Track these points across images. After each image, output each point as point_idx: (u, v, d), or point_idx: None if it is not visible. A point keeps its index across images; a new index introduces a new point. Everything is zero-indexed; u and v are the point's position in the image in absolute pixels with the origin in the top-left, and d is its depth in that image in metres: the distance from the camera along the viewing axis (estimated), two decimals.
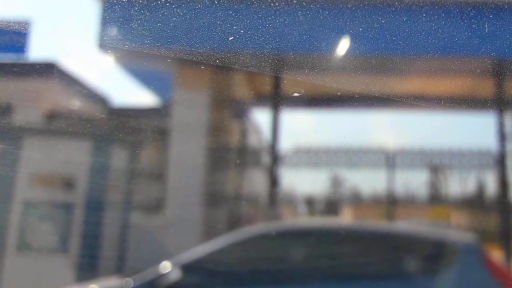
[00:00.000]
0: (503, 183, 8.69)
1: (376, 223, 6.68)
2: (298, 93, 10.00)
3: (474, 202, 9.27)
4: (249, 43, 7.83)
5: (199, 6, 7.70)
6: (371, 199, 9.06)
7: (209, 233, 8.50)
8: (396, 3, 7.75)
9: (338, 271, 4.00)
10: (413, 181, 9.14)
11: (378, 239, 4.26)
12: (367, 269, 4.10)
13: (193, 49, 7.96)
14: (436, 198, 9.68)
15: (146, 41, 7.80)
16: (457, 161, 8.99)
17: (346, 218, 15.65)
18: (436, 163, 9.16)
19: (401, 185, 9.16)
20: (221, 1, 7.58)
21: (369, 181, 9.19)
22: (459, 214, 11.15)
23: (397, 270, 3.96)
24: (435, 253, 4.00)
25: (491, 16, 7.79)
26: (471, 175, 9.08)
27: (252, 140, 17.73)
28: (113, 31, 7.85)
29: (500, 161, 8.70)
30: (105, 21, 7.89)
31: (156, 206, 8.84)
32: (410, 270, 3.95)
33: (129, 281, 4.16)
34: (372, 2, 7.81)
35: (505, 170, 8.72)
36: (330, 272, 3.95)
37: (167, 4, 7.62)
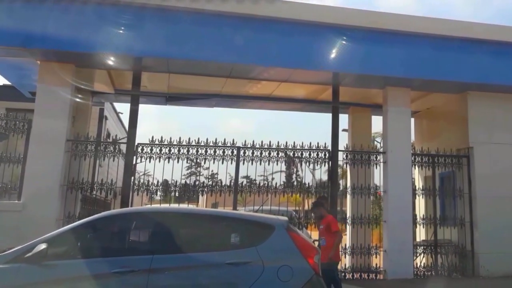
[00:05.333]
0: (331, 174, 11.30)
1: (214, 209, 8.58)
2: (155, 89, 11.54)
3: (321, 190, 11.72)
4: (112, 46, 9.35)
5: (63, 9, 8.99)
6: (227, 189, 10.95)
7: (66, 218, 9.78)
8: (256, 22, 9.78)
9: (177, 246, 5.74)
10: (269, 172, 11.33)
11: (215, 220, 6.14)
12: (204, 243, 5.96)
13: (56, 49, 9.22)
14: (289, 187, 11.97)
15: (10, 40, 8.85)
16: (306, 155, 11.37)
17: (202, 205, 17.57)
18: (288, 156, 11.43)
19: (259, 175, 11.28)
20: (81, 5, 8.93)
21: (226, 172, 11.17)
22: (309, 200, 13.76)
23: (230, 243, 5.87)
24: (258, 230, 5.99)
25: (331, 37, 10.27)
26: (319, 167, 11.53)
27: (112, 131, 18.76)
28: None
29: (334, 155, 11.29)
30: None
31: (13, 192, 9.80)
32: (240, 242, 5.87)
33: None
34: (236, 18, 9.76)
35: (335, 163, 11.34)
36: (170, 246, 5.66)
37: (33, 7, 8.77)
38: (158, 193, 10.75)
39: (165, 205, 10.18)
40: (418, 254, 11.73)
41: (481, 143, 12.02)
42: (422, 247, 11.93)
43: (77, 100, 10.28)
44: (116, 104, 24.68)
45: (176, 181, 10.75)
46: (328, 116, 11.79)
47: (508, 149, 11.96)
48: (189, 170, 45.59)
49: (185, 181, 11.18)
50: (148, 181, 10.72)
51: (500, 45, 11.49)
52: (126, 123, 21.76)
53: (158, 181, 10.62)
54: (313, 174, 12.03)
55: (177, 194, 10.90)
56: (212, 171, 11.77)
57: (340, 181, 12.92)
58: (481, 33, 11.41)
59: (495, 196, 11.61)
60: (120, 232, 5.95)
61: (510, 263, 10.69)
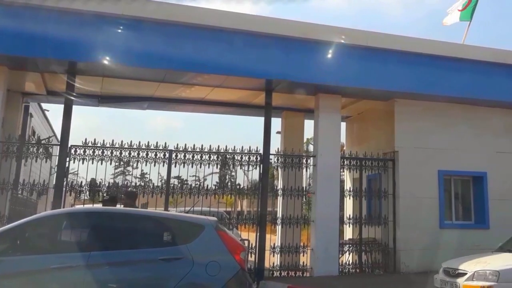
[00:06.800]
0: (262, 177, 12.28)
1: (148, 210, 9.36)
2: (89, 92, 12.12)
3: (254, 191, 12.69)
4: (46, 50, 9.89)
5: None
6: (159, 190, 11.75)
7: None
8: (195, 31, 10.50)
9: (113, 243, 6.49)
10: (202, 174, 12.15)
11: (149, 220, 6.96)
12: (139, 241, 6.76)
13: None
14: (221, 188, 12.85)
15: None
16: (238, 158, 12.31)
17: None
18: (221, 159, 12.32)
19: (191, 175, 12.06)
20: (15, 9, 9.45)
21: (158, 174, 11.95)
22: (243, 201, 14.69)
23: (163, 241, 6.70)
24: (189, 229, 6.85)
25: (265, 45, 11.16)
26: (251, 169, 12.48)
27: (37, 129, 18.94)
28: None
29: (265, 158, 12.28)
30: None
31: None
32: (172, 240, 6.70)
33: None
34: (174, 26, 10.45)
35: (267, 166, 12.33)
36: (107, 244, 6.41)
37: None
38: (90, 193, 11.39)
39: (98, 206, 10.84)
40: (344, 252, 12.99)
41: (406, 147, 13.41)
42: (347, 245, 13.21)
43: (9, 102, 10.70)
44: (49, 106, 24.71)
45: (109, 182, 11.45)
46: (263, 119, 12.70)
47: (429, 153, 13.47)
48: (118, 170, 45.77)
49: (118, 182, 11.87)
50: (81, 182, 11.34)
51: (424, 57, 12.86)
52: (52, 120, 21.93)
53: (90, 182, 11.28)
54: (246, 175, 12.98)
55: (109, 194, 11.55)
56: (142, 170, 12.57)
57: (275, 183, 13.87)
58: (407, 45, 12.76)
59: (416, 197, 13.10)
60: (60, 231, 6.68)
61: (428, 259, 11.98)
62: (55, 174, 11.21)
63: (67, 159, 10.90)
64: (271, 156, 12.53)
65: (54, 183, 11.11)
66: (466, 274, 9.10)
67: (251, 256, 11.44)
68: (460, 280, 9.10)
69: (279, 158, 12.83)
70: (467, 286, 8.95)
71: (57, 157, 10.95)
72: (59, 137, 11.08)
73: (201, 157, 11.83)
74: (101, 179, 11.33)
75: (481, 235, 13.22)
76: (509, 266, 9.06)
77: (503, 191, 13.79)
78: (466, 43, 14.83)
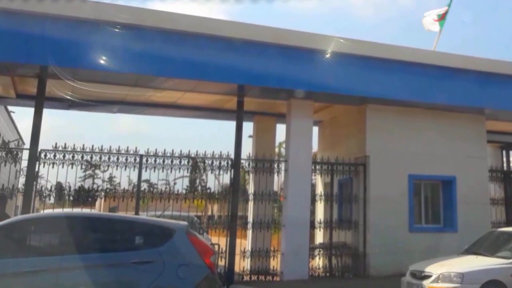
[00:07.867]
0: (233, 182, 12.69)
1: (121, 214, 9.66)
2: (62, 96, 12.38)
3: (225, 196, 13.10)
4: (17, 55, 10.14)
5: None
6: (130, 194, 12.07)
7: None
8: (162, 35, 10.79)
9: (86, 247, 6.81)
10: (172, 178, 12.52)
11: (122, 224, 7.32)
12: (112, 245, 7.11)
13: None
14: (192, 193, 13.25)
15: None
16: (209, 163, 12.71)
17: (99, 208, 18.43)
18: (192, 164, 12.69)
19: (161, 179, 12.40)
20: None
21: (129, 178, 12.27)
22: (212, 206, 15.02)
23: (135, 245, 7.06)
24: (160, 233, 7.23)
25: (234, 51, 11.51)
26: (222, 174, 12.87)
27: (3, 131, 18.97)
28: None
29: (237, 163, 12.68)
30: None
31: None
32: (144, 244, 7.08)
33: None
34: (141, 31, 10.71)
35: (238, 171, 12.74)
36: (80, 247, 6.72)
37: None
38: (59, 197, 11.65)
39: (77, 210, 11.11)
40: (314, 256, 13.49)
41: (377, 152, 13.94)
42: (318, 249, 13.74)
43: None
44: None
45: (79, 187, 11.72)
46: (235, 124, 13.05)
47: (400, 158, 14.02)
48: (86, 173, 45.75)
49: (87, 187, 12.16)
50: (52, 186, 11.58)
51: (396, 63, 13.33)
52: (17, 121, 22.02)
53: (58, 187, 11.54)
54: (218, 180, 13.35)
55: (78, 198, 11.84)
56: (110, 173, 12.87)
57: (247, 187, 14.30)
58: (379, 51, 13.18)
59: (387, 201, 13.60)
60: (32, 235, 6.99)
61: (398, 262, 12.39)
62: (20, 178, 11.42)
63: (37, 163, 11.15)
64: (242, 161, 12.93)
65: (18, 186, 11.34)
66: (431, 276, 9.61)
67: (221, 261, 11.82)
68: (426, 282, 9.61)
69: (251, 162, 13.26)
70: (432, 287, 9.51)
71: (25, 160, 11.14)
72: (24, 139, 11.33)
73: (172, 161, 12.19)
74: (68, 182, 11.61)
75: (449, 238, 13.73)
76: (473, 268, 9.62)
77: (471, 195, 14.39)
78: (437, 50, 15.43)
